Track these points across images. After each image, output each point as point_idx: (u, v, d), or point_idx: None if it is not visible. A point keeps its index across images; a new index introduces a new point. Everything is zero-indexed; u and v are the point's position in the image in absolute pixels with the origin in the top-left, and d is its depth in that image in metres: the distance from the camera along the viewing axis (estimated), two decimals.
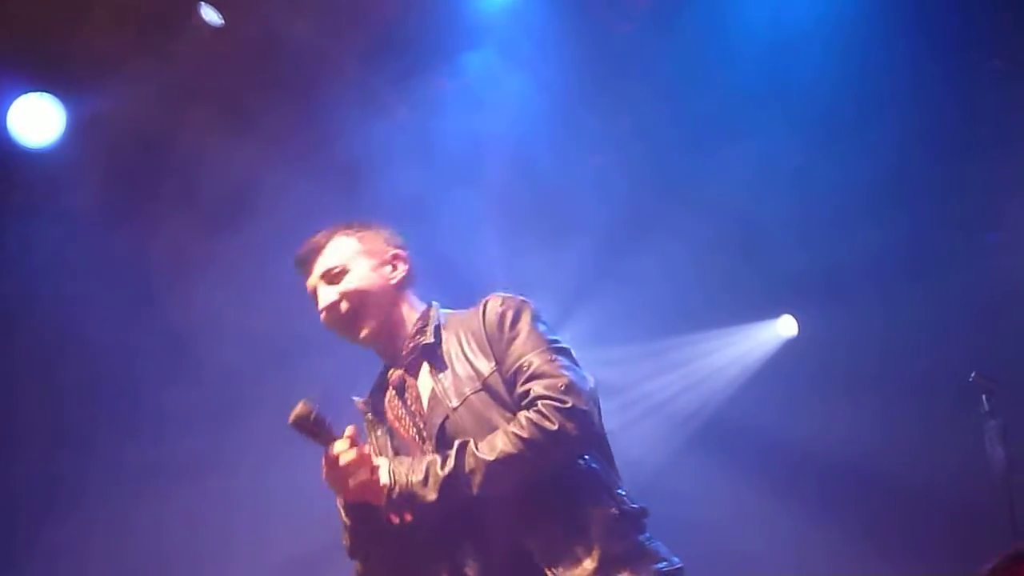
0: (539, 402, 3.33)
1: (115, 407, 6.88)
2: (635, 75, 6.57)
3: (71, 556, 6.69)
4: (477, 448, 3.32)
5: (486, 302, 3.57)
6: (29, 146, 6.27)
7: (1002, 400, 5.78)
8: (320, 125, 6.42)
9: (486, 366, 3.47)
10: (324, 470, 3.34)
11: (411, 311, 3.66)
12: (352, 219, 3.73)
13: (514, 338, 3.46)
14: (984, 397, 5.95)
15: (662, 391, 7.86)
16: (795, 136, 6.61)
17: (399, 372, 3.61)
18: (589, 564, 3.28)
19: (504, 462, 3.28)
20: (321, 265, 3.64)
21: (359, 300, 3.59)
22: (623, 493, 3.44)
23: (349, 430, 3.34)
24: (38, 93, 6.22)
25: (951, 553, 6.25)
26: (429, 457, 3.37)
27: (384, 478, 3.34)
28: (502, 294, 3.58)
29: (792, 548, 7.14)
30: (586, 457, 3.41)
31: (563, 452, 3.32)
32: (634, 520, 3.39)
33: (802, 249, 7.17)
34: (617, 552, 3.31)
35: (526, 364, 3.41)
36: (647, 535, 3.40)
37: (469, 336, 3.54)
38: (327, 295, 3.61)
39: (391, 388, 3.63)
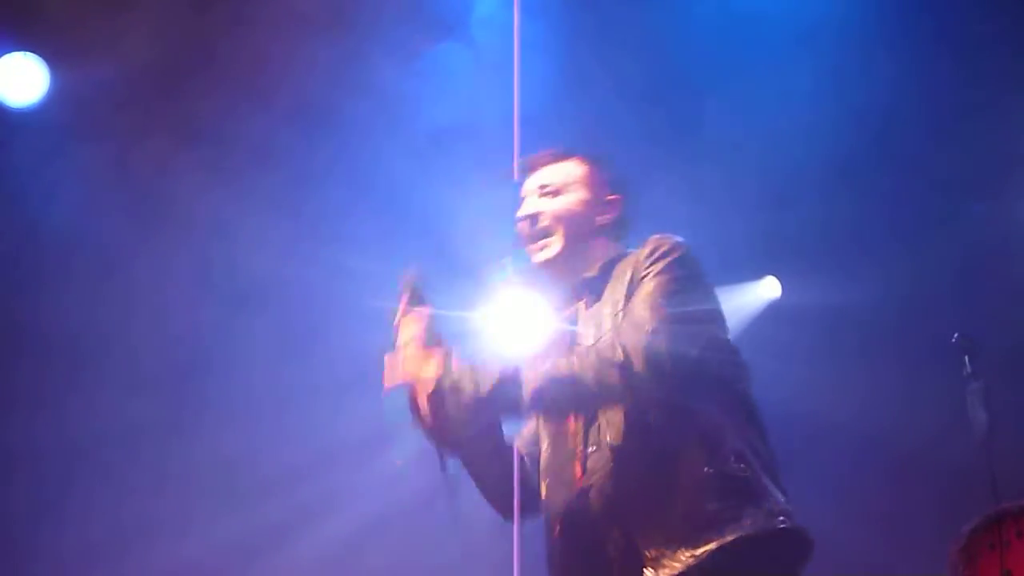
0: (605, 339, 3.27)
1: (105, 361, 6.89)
2: (621, 25, 6.54)
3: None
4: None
5: (647, 241, 3.49)
6: (12, 106, 6.24)
7: (985, 363, 5.78)
8: (316, 78, 6.39)
9: (612, 309, 3.41)
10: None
11: (602, 251, 3.59)
12: (591, 152, 3.72)
13: (641, 279, 3.36)
14: (967, 359, 5.95)
15: None
16: (781, 92, 6.50)
17: (572, 307, 3.57)
18: (678, 531, 3.15)
19: (555, 380, 3.20)
20: (542, 176, 3.64)
21: (556, 223, 3.56)
22: (736, 449, 3.27)
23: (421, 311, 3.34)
24: (21, 53, 6.18)
25: (934, 515, 6.26)
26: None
27: (437, 368, 3.29)
28: (663, 236, 3.49)
29: None
30: (696, 412, 3.28)
31: (611, 395, 3.22)
32: (733, 480, 3.21)
33: (786, 209, 7.09)
34: (707, 515, 3.16)
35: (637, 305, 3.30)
36: (755, 495, 3.20)
37: (624, 275, 3.46)
38: (531, 205, 3.61)
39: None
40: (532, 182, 3.65)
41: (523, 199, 3.65)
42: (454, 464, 3.44)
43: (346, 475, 6.71)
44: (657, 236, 3.48)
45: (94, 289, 6.60)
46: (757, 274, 7.70)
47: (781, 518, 3.21)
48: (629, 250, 3.59)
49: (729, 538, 3.13)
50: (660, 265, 3.37)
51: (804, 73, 6.45)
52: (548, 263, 3.57)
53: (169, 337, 6.90)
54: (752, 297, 7.79)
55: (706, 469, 3.20)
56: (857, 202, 7.02)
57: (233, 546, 6.79)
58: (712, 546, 3.12)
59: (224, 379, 6.98)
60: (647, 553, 3.16)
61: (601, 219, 3.63)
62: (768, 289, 7.77)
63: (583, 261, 3.58)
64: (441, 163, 6.55)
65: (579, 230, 3.58)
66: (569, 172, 3.66)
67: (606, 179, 3.70)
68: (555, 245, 3.56)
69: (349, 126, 6.46)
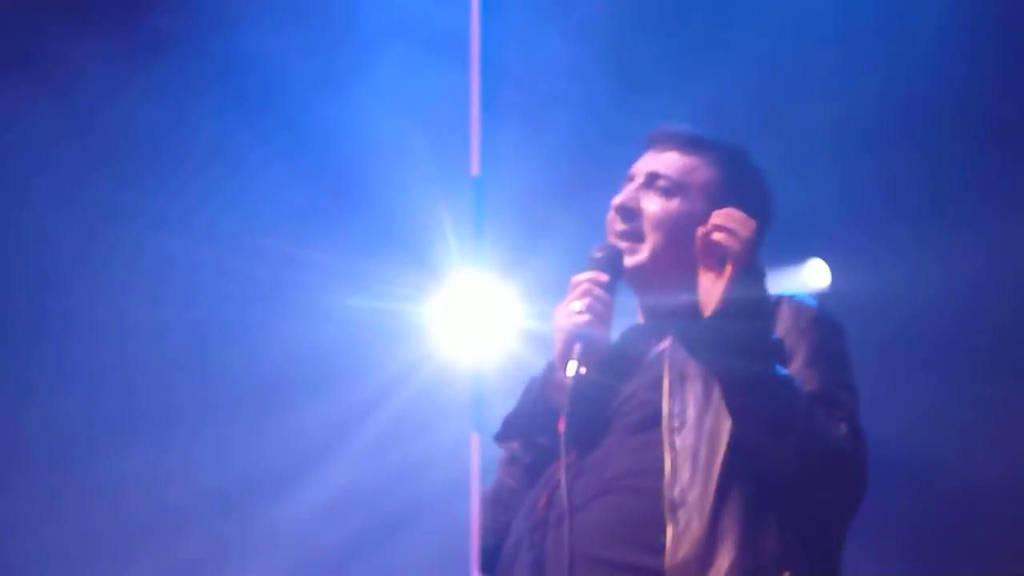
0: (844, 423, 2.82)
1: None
2: None
3: None
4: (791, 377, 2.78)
5: (802, 306, 2.99)
6: None
7: None
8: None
9: None
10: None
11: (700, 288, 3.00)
12: (731, 153, 3.16)
13: (808, 339, 2.89)
14: None
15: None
16: (823, 34, 5.71)
17: (653, 345, 3.07)
18: None
19: (775, 406, 2.71)
20: (662, 161, 3.13)
21: (651, 230, 3.07)
22: None
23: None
24: None
25: (1004, 559, 5.96)
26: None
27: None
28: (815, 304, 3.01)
29: None
30: None
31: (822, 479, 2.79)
32: None
33: (831, 179, 6.20)
34: None
35: (818, 380, 2.85)
36: None
37: None
38: (631, 196, 3.10)
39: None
40: (649, 162, 3.15)
41: (631, 176, 3.15)
42: None
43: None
44: (816, 308, 3.00)
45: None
46: (798, 258, 6.93)
47: None
48: None
49: None
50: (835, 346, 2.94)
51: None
52: (635, 272, 3.09)
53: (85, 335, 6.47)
54: (792, 287, 6.86)
55: None
56: (921, 168, 6.13)
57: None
58: None
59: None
60: None
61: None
62: (814, 276, 7.04)
63: (669, 289, 3.06)
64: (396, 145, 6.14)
65: (675, 252, 3.05)
66: (694, 172, 3.12)
67: (736, 198, 3.03)
68: (640, 254, 3.08)
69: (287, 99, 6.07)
